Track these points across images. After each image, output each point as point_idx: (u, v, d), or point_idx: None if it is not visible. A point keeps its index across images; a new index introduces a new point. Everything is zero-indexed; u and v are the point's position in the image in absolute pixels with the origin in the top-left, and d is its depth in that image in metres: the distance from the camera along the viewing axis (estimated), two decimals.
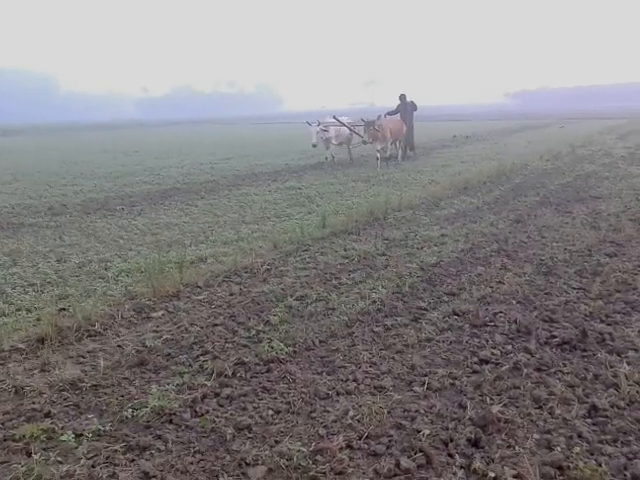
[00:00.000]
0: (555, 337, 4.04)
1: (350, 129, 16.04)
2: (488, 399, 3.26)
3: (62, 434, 3.03)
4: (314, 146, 15.25)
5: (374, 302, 4.91)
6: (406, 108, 17.37)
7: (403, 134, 16.97)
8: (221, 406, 3.33)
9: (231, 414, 3.22)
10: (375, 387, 3.47)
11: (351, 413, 3.16)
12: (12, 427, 3.13)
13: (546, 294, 4.97)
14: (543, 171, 13.53)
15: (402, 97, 17.62)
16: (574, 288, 5.09)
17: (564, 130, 31.21)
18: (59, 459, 2.83)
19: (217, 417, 3.18)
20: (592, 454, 2.72)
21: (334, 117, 15.80)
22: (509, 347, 3.94)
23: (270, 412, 3.22)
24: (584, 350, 3.85)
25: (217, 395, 3.44)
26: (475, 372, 3.61)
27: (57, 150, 27.32)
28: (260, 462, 2.76)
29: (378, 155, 15.25)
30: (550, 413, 3.09)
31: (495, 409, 3.07)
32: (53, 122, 68.74)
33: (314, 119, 15.69)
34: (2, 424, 3.17)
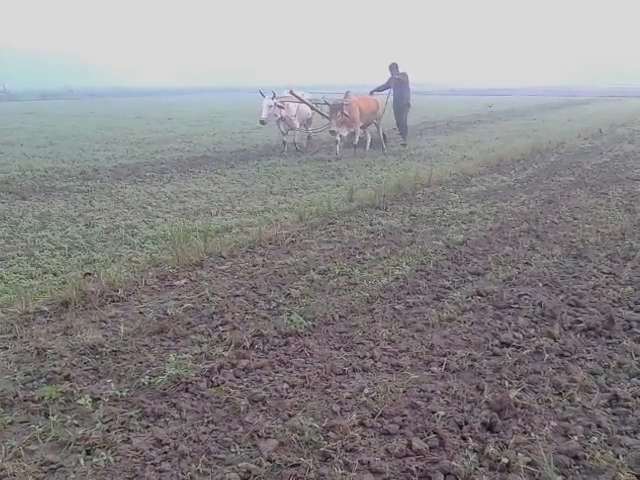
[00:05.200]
0: (580, 322, 3.94)
1: (313, 108, 12.87)
2: (507, 383, 3.20)
3: (80, 397, 3.08)
4: (262, 123, 12.26)
5: (397, 279, 4.86)
6: (399, 82, 13.74)
7: (379, 115, 13.41)
8: (237, 377, 3.34)
9: (246, 386, 3.23)
10: (392, 365, 3.44)
11: (366, 391, 3.14)
12: (32, 388, 3.20)
13: (574, 278, 4.85)
14: (580, 150, 13.17)
15: (393, 67, 13.80)
16: (604, 272, 4.95)
17: (605, 108, 30.22)
18: (75, 422, 2.88)
19: (232, 388, 3.20)
20: (610, 445, 2.65)
21: (291, 92, 12.37)
22: (532, 331, 3.86)
23: (285, 386, 3.22)
24: (609, 337, 3.75)
25: (234, 366, 3.45)
26: (495, 355, 3.55)
27: (93, 115, 27.55)
28: (272, 435, 2.76)
29: (338, 139, 12.10)
30: (570, 400, 3.02)
31: (513, 394, 3.02)
32: (92, 87, 69.23)
33: (269, 91, 12.35)
34: (23, 385, 3.24)
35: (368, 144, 13.35)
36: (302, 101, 12.47)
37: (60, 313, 4.25)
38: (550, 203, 7.73)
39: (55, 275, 5.07)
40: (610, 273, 4.94)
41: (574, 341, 3.70)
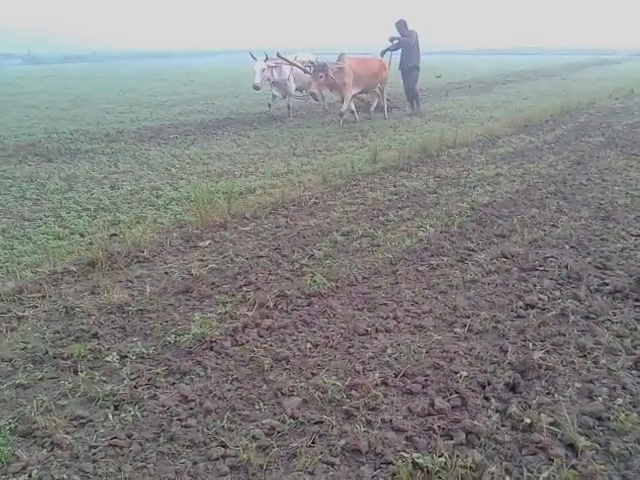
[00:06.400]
0: (607, 285, 3.88)
1: (305, 70, 11.34)
2: (530, 345, 3.18)
3: (107, 355, 3.14)
4: (255, 88, 11.36)
5: (421, 240, 4.83)
6: (411, 41, 12.26)
7: (383, 78, 12.10)
8: (261, 337, 3.37)
9: (270, 345, 3.26)
10: (415, 326, 3.44)
11: (389, 351, 3.15)
12: (61, 346, 3.27)
13: (602, 240, 4.77)
14: (610, 110, 12.81)
15: (400, 25, 12.28)
16: (632, 235, 4.85)
17: (638, 67, 29.27)
18: (104, 378, 2.95)
19: (256, 347, 3.23)
20: (635, 407, 2.63)
21: (278, 54, 11.15)
22: (557, 293, 3.82)
23: (308, 345, 3.24)
24: (636, 300, 3.68)
25: (257, 326, 3.48)
26: (519, 317, 3.52)
27: (117, 77, 27.54)
28: (295, 393, 2.80)
29: (345, 108, 11.29)
30: (594, 362, 3.00)
31: (537, 355, 3.01)
32: (114, 49, 69.28)
33: (261, 53, 11.40)
34: (52, 342, 3.32)
35: (373, 107, 12.53)
36: (290, 63, 11.38)
37: (87, 273, 4.32)
38: (579, 164, 7.56)
39: (82, 236, 5.14)
40: (639, 236, 4.84)
41: (600, 303, 3.65)
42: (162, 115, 13.34)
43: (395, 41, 12.36)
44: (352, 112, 11.80)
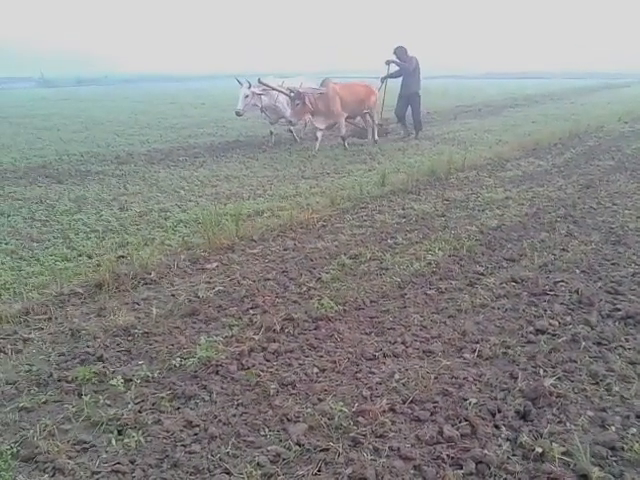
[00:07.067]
0: (619, 310, 3.82)
1: (289, 96, 10.78)
2: (541, 371, 3.12)
3: (112, 378, 3.11)
4: (237, 114, 11.19)
5: (429, 264, 4.79)
6: (410, 67, 12.03)
7: (372, 103, 11.65)
8: (267, 361, 3.33)
9: (276, 369, 3.22)
10: (424, 351, 3.39)
11: (397, 376, 3.10)
12: (66, 369, 3.24)
13: (613, 264, 4.71)
14: (620, 134, 12.80)
15: (400, 51, 12.05)
16: None
17: None
18: (108, 402, 2.92)
19: (262, 371, 3.19)
20: None
21: (259, 80, 10.87)
22: (568, 318, 3.76)
23: (315, 370, 3.20)
24: None
25: (264, 349, 3.44)
26: (530, 342, 3.47)
27: (128, 100, 27.84)
28: (301, 419, 2.75)
29: (318, 135, 11.02)
30: (607, 390, 2.93)
31: (548, 382, 2.95)
32: (127, 72, 70.24)
33: (244, 79, 11.09)
34: (57, 365, 3.29)
35: (370, 134, 12.16)
36: (273, 89, 10.86)
37: (94, 295, 4.30)
38: (588, 188, 7.52)
39: (89, 257, 5.14)
40: None
41: (612, 329, 3.59)
42: (172, 137, 13.45)
43: (392, 64, 12.20)
44: (316, 139, 11.24)
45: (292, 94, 10.55)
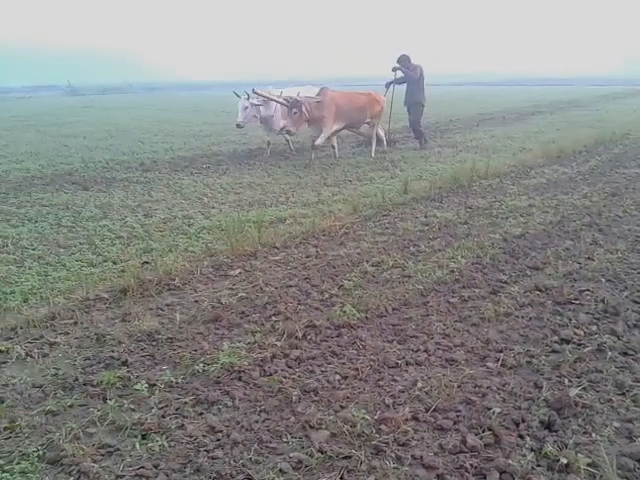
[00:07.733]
0: None
1: (287, 106, 10.53)
2: (566, 381, 3.08)
3: (136, 383, 3.14)
4: (238, 126, 11.11)
5: (452, 272, 4.76)
6: (415, 76, 11.87)
7: (375, 113, 11.43)
8: (289, 367, 3.34)
9: (299, 376, 3.23)
10: (446, 360, 3.37)
11: (419, 384, 3.08)
12: (91, 373, 3.29)
13: (639, 273, 4.64)
14: None
15: (403, 60, 11.96)
16: None
17: None
18: (132, 407, 2.95)
19: (285, 378, 3.20)
20: None
21: (254, 90, 10.61)
22: (594, 328, 3.71)
23: (337, 377, 3.20)
24: None
25: (286, 356, 3.45)
26: (554, 352, 3.43)
27: (151, 108, 28.19)
28: (324, 426, 2.75)
29: (319, 142, 10.74)
30: (633, 401, 2.89)
31: (573, 392, 2.91)
32: (150, 81, 71.18)
33: (242, 90, 10.92)
34: (83, 369, 3.34)
35: (382, 142, 12.05)
36: (269, 99, 10.72)
37: (119, 300, 4.36)
38: (614, 196, 7.42)
39: (115, 263, 5.21)
40: None
41: (638, 339, 3.54)
42: (195, 145, 13.58)
43: (398, 72, 12.06)
44: (332, 147, 11.36)
45: (289, 103, 10.45)
